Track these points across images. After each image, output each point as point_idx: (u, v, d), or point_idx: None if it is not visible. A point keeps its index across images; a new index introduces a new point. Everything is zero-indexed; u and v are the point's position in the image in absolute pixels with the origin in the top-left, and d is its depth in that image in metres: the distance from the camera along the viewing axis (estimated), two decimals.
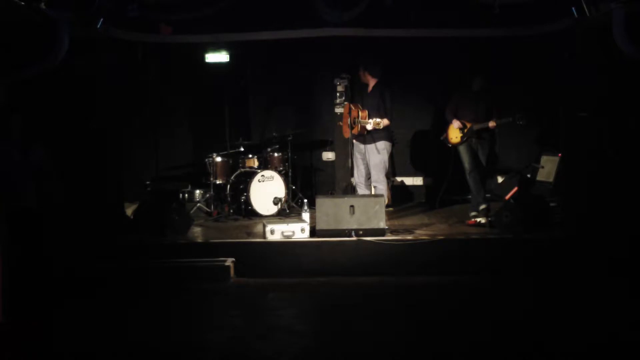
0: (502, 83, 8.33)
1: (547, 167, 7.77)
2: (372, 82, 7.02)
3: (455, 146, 7.23)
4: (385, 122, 6.74)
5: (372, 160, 6.96)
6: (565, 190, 7.14)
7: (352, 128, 7.00)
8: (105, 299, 5.14)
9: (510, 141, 8.95)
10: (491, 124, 6.90)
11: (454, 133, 7.20)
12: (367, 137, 6.91)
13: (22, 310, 4.61)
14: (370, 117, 6.79)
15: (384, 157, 7.00)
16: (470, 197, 7.35)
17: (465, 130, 7.10)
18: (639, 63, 5.79)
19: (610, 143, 6.39)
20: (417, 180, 8.95)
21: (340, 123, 7.33)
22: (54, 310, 4.82)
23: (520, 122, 6.81)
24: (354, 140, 7.12)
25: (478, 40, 7.67)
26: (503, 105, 7.07)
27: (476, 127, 7.05)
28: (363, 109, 6.92)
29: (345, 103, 7.13)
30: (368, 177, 7.10)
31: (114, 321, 4.64)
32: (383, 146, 6.95)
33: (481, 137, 7.10)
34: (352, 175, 7.11)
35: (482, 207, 7.25)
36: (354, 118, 6.98)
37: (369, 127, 6.73)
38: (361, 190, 7.10)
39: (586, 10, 5.97)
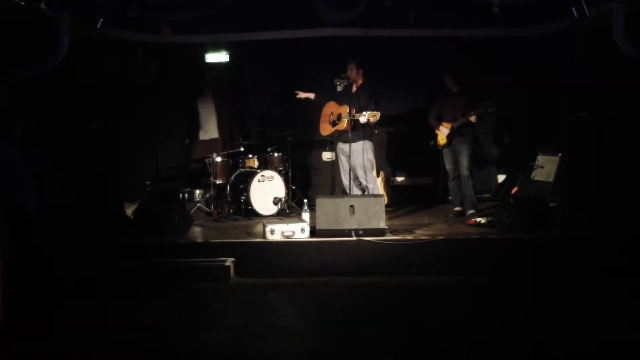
0: (502, 83, 8.36)
1: (547, 167, 7.77)
2: (360, 80, 6.99)
3: (444, 148, 7.28)
4: (378, 116, 6.68)
5: (357, 160, 6.89)
6: (565, 190, 7.15)
7: (335, 125, 6.99)
8: (105, 299, 5.14)
9: (509, 141, 8.98)
10: (472, 118, 6.95)
11: (440, 136, 7.30)
12: (353, 136, 6.75)
13: (22, 310, 4.60)
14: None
15: (370, 156, 6.98)
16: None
17: (449, 132, 7.16)
18: (639, 63, 5.79)
19: (610, 143, 6.40)
20: (417, 180, 8.96)
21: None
22: (54, 310, 4.81)
23: (490, 110, 6.91)
24: (339, 142, 7.12)
25: (478, 40, 7.68)
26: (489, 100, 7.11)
27: (456, 125, 7.12)
28: (343, 105, 6.82)
29: (330, 102, 7.11)
30: (356, 177, 7.03)
31: (114, 321, 4.64)
32: (368, 145, 6.93)
33: (462, 134, 7.15)
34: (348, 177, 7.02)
35: (457, 208, 7.37)
36: (339, 114, 6.96)
37: (363, 119, 6.64)
38: (354, 192, 6.99)
39: (586, 10, 5.98)
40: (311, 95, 7.37)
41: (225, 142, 8.40)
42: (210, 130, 8.46)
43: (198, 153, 8.46)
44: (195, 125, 8.56)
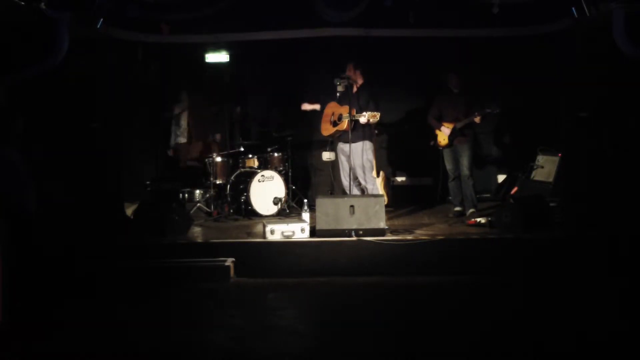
0: (503, 83, 8.35)
1: (547, 167, 7.77)
2: (360, 81, 6.99)
3: (444, 148, 7.28)
4: (377, 117, 6.68)
5: (356, 160, 6.89)
6: (565, 190, 7.15)
7: (336, 125, 7.00)
8: (105, 299, 5.14)
9: (509, 141, 8.98)
10: (476, 119, 6.96)
11: (441, 136, 7.30)
12: (354, 136, 6.76)
13: (22, 310, 4.60)
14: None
15: (370, 156, 6.97)
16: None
17: (451, 132, 7.16)
18: (639, 63, 5.79)
19: (610, 143, 6.40)
20: (417, 180, 8.96)
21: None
22: (54, 310, 4.81)
23: (496, 111, 7.00)
24: (339, 142, 7.12)
25: (478, 40, 7.68)
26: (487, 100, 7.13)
27: (459, 125, 7.12)
28: (344, 106, 6.80)
29: (332, 102, 7.11)
30: (355, 177, 7.02)
31: (114, 321, 4.64)
32: (368, 146, 6.93)
33: (464, 134, 7.15)
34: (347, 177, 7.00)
35: (457, 208, 7.38)
36: (339, 114, 6.95)
37: (363, 120, 6.63)
38: (353, 192, 6.98)
39: (586, 10, 5.98)
40: (317, 107, 7.34)
41: (204, 147, 8.38)
42: (183, 134, 8.43)
43: (180, 155, 8.46)
44: (174, 129, 8.53)
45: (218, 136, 8.48)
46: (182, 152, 8.46)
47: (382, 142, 8.81)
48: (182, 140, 8.48)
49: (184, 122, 8.46)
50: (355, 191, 7.04)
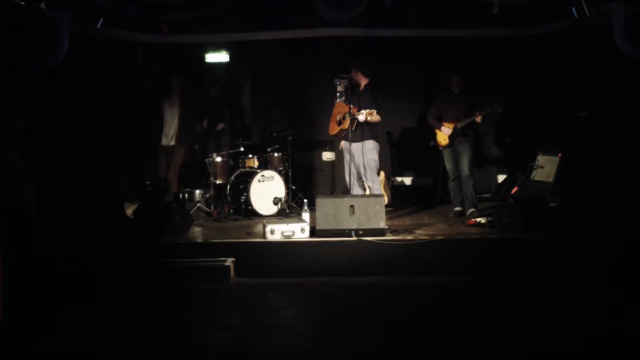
0: (503, 83, 8.36)
1: (547, 167, 7.77)
2: (363, 82, 6.99)
3: (445, 148, 7.28)
4: (377, 116, 6.69)
5: (358, 159, 6.90)
6: (565, 190, 7.15)
7: (340, 124, 7.01)
8: (105, 299, 5.14)
9: (509, 141, 8.98)
10: (478, 118, 6.97)
11: (442, 136, 7.28)
12: (355, 135, 6.80)
13: (22, 310, 4.60)
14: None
15: (374, 156, 6.97)
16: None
17: (452, 132, 7.15)
18: (639, 63, 5.79)
19: (610, 143, 6.40)
20: (417, 180, 8.96)
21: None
22: (54, 310, 4.81)
23: (498, 111, 7.01)
24: (342, 141, 7.14)
25: (478, 40, 7.68)
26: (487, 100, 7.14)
27: (460, 125, 7.12)
28: (354, 107, 6.86)
29: (337, 102, 7.11)
30: (359, 176, 7.04)
31: (114, 321, 4.64)
32: (372, 145, 6.91)
33: (465, 135, 7.15)
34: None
35: (457, 208, 7.38)
36: (344, 114, 6.97)
37: (362, 117, 6.64)
38: (354, 190, 7.02)
39: (586, 10, 5.98)
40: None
41: (188, 151, 8.21)
42: (169, 136, 8.13)
43: (157, 161, 8.21)
44: (159, 128, 8.29)
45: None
46: (169, 156, 8.16)
47: (382, 142, 8.81)
48: (163, 141, 8.20)
49: (172, 122, 8.19)
50: (357, 189, 7.06)
